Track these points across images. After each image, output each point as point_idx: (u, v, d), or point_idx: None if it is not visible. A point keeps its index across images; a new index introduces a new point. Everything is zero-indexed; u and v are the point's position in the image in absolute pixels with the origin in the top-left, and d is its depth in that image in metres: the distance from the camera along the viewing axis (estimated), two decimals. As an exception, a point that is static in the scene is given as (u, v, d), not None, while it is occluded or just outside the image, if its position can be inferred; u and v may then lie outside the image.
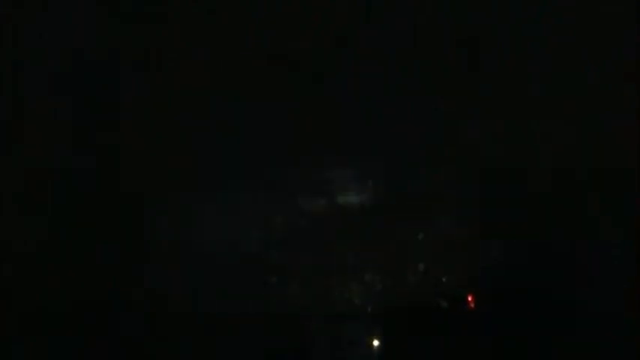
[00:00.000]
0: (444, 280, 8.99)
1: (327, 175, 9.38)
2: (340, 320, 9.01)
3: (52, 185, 9.02)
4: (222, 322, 8.79)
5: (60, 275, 8.79)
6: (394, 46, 9.17)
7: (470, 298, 8.87)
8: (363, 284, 9.11)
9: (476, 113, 9.14)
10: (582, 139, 8.98)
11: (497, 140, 9.16)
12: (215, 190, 9.22)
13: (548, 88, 9.05)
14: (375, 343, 8.94)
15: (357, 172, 9.37)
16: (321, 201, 9.36)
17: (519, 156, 9.13)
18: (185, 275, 8.99)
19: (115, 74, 9.21)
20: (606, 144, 8.90)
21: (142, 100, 9.17)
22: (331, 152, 9.30)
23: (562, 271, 8.70)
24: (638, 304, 8.36)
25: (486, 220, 9.06)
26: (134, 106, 9.17)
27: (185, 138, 9.23)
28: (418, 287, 9.00)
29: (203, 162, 9.21)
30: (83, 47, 9.07)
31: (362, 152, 9.31)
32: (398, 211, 9.27)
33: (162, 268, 9.01)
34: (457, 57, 9.13)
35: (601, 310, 8.38)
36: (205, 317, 8.81)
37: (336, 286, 9.11)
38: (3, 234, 8.86)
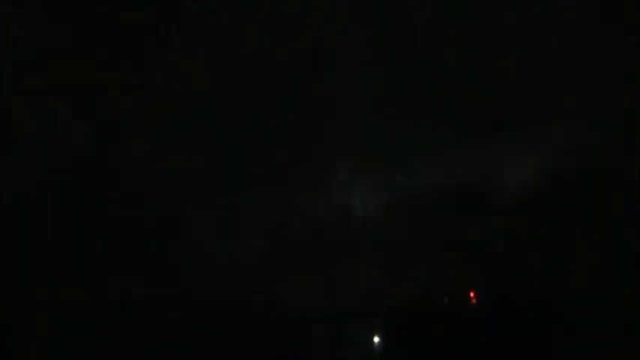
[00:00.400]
0: (446, 277, 9.00)
1: (327, 177, 9.39)
2: (342, 319, 9.02)
3: (53, 186, 9.03)
4: (224, 322, 8.80)
5: (61, 275, 8.81)
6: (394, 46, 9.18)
7: (472, 295, 8.87)
8: (366, 282, 9.10)
9: (477, 115, 9.16)
10: (582, 139, 8.99)
11: (498, 140, 9.19)
12: (216, 192, 9.24)
13: (549, 88, 9.08)
14: (377, 339, 8.94)
15: (358, 174, 9.39)
16: (322, 203, 9.36)
17: (519, 156, 9.15)
18: (186, 276, 9.00)
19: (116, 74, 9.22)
20: (606, 144, 8.91)
21: (147, 100, 9.16)
22: (331, 154, 9.32)
23: (563, 270, 8.71)
24: (638, 304, 8.38)
25: (488, 219, 9.08)
26: (139, 107, 9.16)
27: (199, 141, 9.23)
28: (421, 284, 9.00)
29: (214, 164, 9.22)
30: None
31: (362, 154, 9.33)
32: (400, 211, 9.29)
33: (163, 269, 9.02)
34: (457, 57, 9.14)
35: (601, 310, 8.39)
36: (207, 316, 8.82)
37: (339, 285, 9.11)
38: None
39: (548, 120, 9.10)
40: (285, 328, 8.90)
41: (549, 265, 8.76)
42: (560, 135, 9.03)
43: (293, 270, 9.14)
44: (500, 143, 9.18)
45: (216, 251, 9.07)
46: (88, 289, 8.82)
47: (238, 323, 8.82)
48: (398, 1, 9.11)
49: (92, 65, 9.13)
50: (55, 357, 8.52)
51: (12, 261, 8.79)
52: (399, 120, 9.23)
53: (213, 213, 9.16)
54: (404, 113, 9.23)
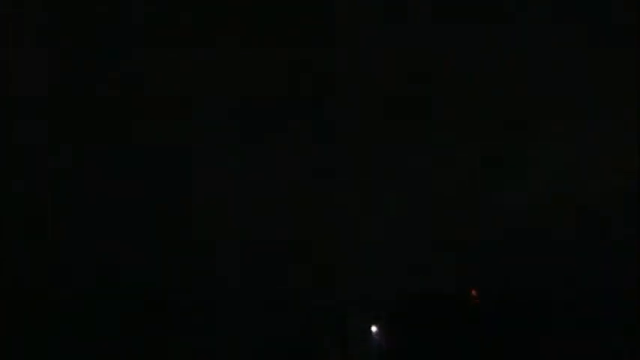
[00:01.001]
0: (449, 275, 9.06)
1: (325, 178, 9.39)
2: (346, 315, 9.05)
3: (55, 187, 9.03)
4: (228, 316, 8.82)
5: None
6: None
7: (474, 293, 8.92)
8: (369, 279, 9.13)
9: (478, 115, 9.18)
10: (582, 139, 9.03)
11: (499, 140, 9.21)
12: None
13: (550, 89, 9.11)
14: (380, 337, 8.98)
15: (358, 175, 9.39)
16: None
17: (522, 157, 9.18)
18: (189, 267, 9.00)
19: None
20: (607, 144, 8.96)
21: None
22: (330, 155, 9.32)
23: (565, 270, 8.76)
24: (638, 304, 8.44)
25: (491, 219, 9.12)
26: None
27: None
28: (424, 282, 9.04)
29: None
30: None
31: (363, 154, 9.35)
32: (401, 210, 9.32)
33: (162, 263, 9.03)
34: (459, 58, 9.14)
35: (603, 310, 8.45)
36: (210, 311, 8.83)
37: (343, 282, 9.14)
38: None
39: (548, 120, 9.14)
40: (285, 325, 8.93)
41: (550, 265, 8.82)
42: (562, 135, 9.08)
43: (294, 267, 9.16)
44: (501, 143, 9.21)
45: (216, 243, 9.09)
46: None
47: (240, 316, 8.85)
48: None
49: (92, 65, 9.10)
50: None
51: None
52: (400, 119, 9.25)
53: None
54: (406, 112, 9.25)
